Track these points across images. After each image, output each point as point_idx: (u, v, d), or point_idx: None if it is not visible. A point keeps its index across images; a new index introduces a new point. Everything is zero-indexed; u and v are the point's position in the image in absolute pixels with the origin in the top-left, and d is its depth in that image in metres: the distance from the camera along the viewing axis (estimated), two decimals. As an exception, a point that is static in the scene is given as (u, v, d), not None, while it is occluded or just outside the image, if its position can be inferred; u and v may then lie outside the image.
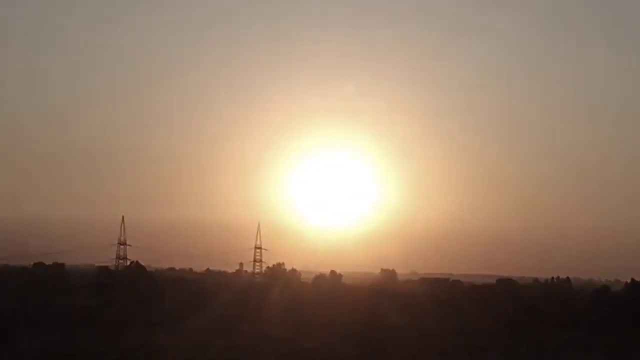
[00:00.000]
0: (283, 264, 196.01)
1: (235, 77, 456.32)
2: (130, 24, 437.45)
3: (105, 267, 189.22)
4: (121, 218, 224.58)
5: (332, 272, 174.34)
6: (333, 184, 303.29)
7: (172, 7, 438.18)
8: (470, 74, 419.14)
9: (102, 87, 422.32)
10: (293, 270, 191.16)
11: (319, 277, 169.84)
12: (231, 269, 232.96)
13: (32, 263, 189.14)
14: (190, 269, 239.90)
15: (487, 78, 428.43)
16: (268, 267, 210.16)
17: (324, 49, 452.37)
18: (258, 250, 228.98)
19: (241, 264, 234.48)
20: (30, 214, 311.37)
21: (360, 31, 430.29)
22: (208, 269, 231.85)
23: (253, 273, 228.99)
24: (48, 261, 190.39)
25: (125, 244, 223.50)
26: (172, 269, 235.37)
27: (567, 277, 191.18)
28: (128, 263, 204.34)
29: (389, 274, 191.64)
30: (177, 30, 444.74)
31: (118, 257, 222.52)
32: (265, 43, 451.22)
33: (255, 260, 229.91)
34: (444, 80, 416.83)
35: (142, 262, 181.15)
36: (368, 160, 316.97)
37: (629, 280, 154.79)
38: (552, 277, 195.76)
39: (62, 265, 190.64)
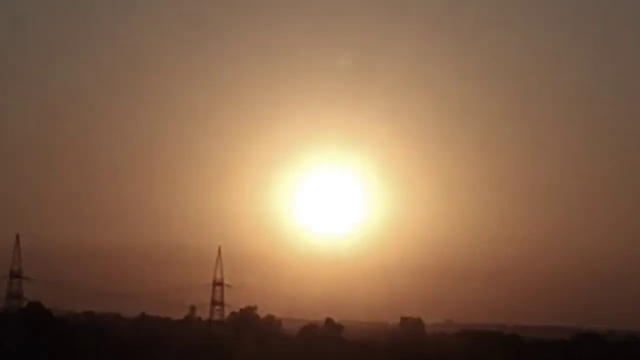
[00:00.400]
0: (255, 307, 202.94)
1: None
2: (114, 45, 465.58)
3: None
4: (15, 238, 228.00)
5: (329, 320, 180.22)
6: (326, 198, 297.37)
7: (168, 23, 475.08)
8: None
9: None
10: (270, 318, 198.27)
11: (309, 329, 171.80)
12: (178, 314, 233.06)
13: None
14: (118, 315, 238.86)
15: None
16: (233, 313, 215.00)
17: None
18: (218, 287, 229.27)
19: (193, 308, 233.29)
20: None
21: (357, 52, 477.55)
22: (143, 314, 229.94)
23: (210, 321, 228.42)
24: None
25: (20, 276, 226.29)
26: (90, 313, 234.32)
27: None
28: (24, 304, 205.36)
29: (413, 325, 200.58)
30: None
31: (9, 295, 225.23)
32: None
33: (213, 302, 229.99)
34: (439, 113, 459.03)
35: (44, 304, 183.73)
36: (365, 179, 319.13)
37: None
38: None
39: None
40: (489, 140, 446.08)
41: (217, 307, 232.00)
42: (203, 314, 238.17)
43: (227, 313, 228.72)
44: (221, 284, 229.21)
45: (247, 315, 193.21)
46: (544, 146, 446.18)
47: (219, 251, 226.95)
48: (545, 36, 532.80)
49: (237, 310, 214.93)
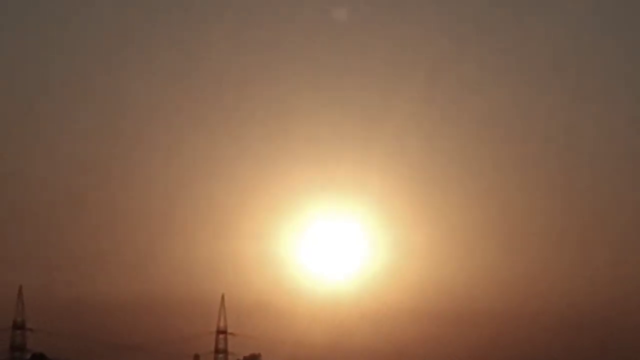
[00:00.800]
0: (259, 355, 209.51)
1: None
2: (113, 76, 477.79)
3: None
4: (18, 289, 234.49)
5: None
6: (329, 244, 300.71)
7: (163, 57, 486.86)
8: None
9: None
10: None
11: None
12: None
13: None
14: None
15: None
16: None
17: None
18: (222, 336, 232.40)
19: (197, 356, 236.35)
20: None
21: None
22: None
23: None
24: None
25: (23, 327, 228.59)
26: None
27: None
28: (28, 356, 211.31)
29: None
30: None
31: (12, 348, 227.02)
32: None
33: (217, 351, 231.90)
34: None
35: (48, 355, 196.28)
36: (368, 228, 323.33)
37: None
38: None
39: None
40: (489, 187, 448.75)
41: (221, 355, 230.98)
42: None
43: None
44: (225, 332, 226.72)
45: None
46: (544, 193, 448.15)
47: (222, 299, 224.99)
48: (539, 84, 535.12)
49: (241, 358, 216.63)
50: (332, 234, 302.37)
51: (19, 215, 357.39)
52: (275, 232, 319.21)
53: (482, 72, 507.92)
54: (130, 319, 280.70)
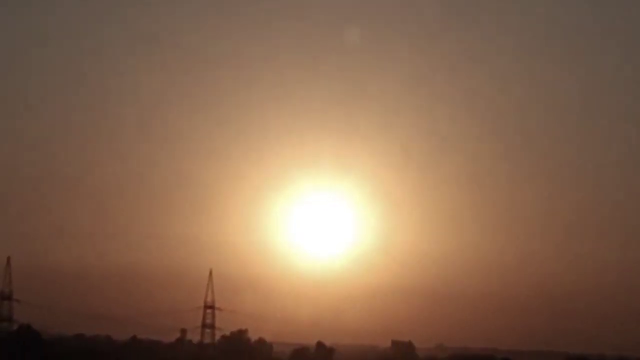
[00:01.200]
0: (246, 330, 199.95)
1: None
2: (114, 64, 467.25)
3: None
4: (6, 260, 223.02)
5: (319, 344, 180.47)
6: (315, 218, 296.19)
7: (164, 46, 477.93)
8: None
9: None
10: (260, 341, 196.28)
11: (300, 352, 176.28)
12: (169, 337, 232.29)
13: None
14: (109, 337, 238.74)
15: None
16: (223, 336, 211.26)
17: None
18: (209, 311, 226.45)
19: (183, 330, 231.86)
20: None
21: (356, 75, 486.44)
22: (134, 337, 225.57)
23: (201, 344, 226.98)
24: None
25: (10, 298, 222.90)
26: (81, 336, 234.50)
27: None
28: (15, 327, 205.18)
29: (403, 349, 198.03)
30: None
31: (1, 318, 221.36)
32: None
33: (204, 325, 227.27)
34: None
35: (35, 326, 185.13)
36: (354, 204, 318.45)
37: None
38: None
39: None
40: (478, 164, 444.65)
41: (207, 330, 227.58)
42: (194, 336, 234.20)
43: (218, 336, 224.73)
44: (212, 307, 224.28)
45: (238, 339, 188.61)
46: (534, 171, 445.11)
47: (210, 274, 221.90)
48: (532, 67, 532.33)
49: (228, 333, 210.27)
50: (321, 211, 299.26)
51: (7, 188, 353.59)
52: (265, 209, 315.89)
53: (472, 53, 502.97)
54: (119, 292, 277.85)
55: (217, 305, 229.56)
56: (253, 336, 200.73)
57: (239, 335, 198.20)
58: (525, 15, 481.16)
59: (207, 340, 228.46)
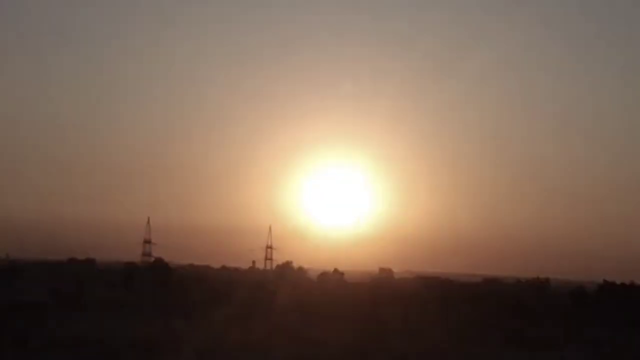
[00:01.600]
0: (291, 262, 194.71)
1: (251, 96, 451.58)
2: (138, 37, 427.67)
3: (132, 263, 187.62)
4: (147, 219, 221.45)
5: (335, 270, 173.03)
6: (334, 193, 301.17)
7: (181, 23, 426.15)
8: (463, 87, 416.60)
9: (123, 98, 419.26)
10: (300, 268, 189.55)
11: (324, 275, 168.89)
12: (245, 266, 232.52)
13: (66, 258, 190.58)
14: (208, 266, 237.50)
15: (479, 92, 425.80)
16: (278, 265, 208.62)
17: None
18: (269, 250, 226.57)
19: (254, 262, 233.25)
20: (67, 214, 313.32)
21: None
22: (224, 266, 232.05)
23: (265, 270, 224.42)
24: (81, 257, 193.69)
25: (150, 242, 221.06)
26: (192, 265, 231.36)
27: (547, 278, 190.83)
28: (152, 260, 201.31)
29: (386, 272, 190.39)
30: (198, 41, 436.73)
31: (144, 254, 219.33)
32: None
33: (267, 258, 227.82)
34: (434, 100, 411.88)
35: (165, 259, 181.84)
36: (366, 172, 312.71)
37: (601, 281, 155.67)
38: (533, 278, 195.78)
39: (94, 260, 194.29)
40: (488, 141, 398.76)
41: (268, 261, 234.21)
42: (260, 266, 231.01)
43: (274, 265, 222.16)
44: (271, 247, 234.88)
45: (286, 267, 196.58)
46: (544, 149, 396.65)
47: (270, 229, 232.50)
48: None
49: (280, 263, 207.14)
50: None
51: (146, 164, 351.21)
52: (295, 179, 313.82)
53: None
54: (215, 238, 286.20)
55: (274, 246, 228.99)
56: (295, 265, 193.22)
57: (287, 265, 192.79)
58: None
59: (268, 267, 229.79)
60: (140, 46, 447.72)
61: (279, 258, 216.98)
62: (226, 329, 76.31)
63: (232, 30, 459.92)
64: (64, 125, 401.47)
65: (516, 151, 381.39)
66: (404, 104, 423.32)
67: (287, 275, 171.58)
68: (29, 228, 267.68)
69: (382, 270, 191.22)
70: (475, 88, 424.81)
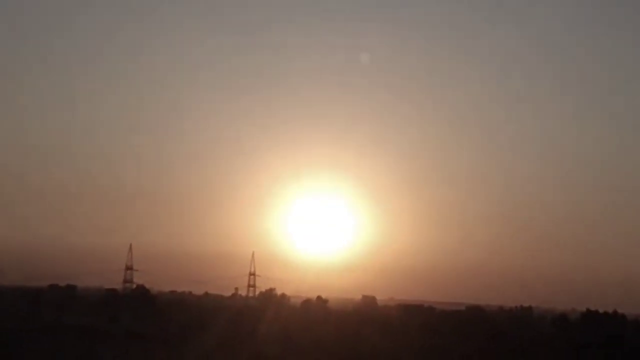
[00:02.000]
0: (274, 289, 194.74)
1: (235, 123, 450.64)
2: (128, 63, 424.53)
3: (113, 290, 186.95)
4: (129, 246, 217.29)
5: (319, 297, 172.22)
6: (319, 221, 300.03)
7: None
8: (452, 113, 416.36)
9: (107, 125, 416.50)
10: (283, 295, 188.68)
11: (307, 302, 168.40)
12: (227, 293, 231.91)
13: (47, 284, 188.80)
14: (190, 292, 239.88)
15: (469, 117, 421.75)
16: (261, 292, 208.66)
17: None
18: (252, 277, 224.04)
19: (236, 289, 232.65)
20: (46, 239, 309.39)
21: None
22: (206, 293, 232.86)
23: (247, 297, 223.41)
24: (62, 283, 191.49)
25: (132, 268, 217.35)
26: (174, 292, 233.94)
27: (529, 306, 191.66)
28: (134, 286, 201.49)
29: (369, 300, 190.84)
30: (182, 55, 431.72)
31: (125, 281, 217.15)
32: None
33: (249, 285, 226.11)
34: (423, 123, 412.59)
35: (146, 286, 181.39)
36: (350, 200, 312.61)
37: (584, 310, 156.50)
38: (516, 306, 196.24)
39: (74, 287, 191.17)
40: (469, 165, 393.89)
41: (251, 288, 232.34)
42: (243, 292, 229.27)
43: (257, 292, 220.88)
44: (254, 274, 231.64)
45: (269, 294, 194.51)
46: (527, 171, 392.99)
47: (253, 255, 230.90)
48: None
49: (263, 290, 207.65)
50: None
51: (129, 192, 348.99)
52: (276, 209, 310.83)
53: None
54: (197, 265, 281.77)
55: (257, 273, 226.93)
56: (278, 292, 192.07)
57: (270, 292, 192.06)
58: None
59: (250, 294, 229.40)
60: (124, 72, 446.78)
61: (262, 285, 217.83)
62: (208, 356, 77.37)
63: (216, 57, 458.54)
64: (45, 150, 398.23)
65: (500, 185, 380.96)
66: (385, 130, 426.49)
67: (270, 303, 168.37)
68: (8, 253, 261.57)
69: (365, 297, 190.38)
70: (461, 117, 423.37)
